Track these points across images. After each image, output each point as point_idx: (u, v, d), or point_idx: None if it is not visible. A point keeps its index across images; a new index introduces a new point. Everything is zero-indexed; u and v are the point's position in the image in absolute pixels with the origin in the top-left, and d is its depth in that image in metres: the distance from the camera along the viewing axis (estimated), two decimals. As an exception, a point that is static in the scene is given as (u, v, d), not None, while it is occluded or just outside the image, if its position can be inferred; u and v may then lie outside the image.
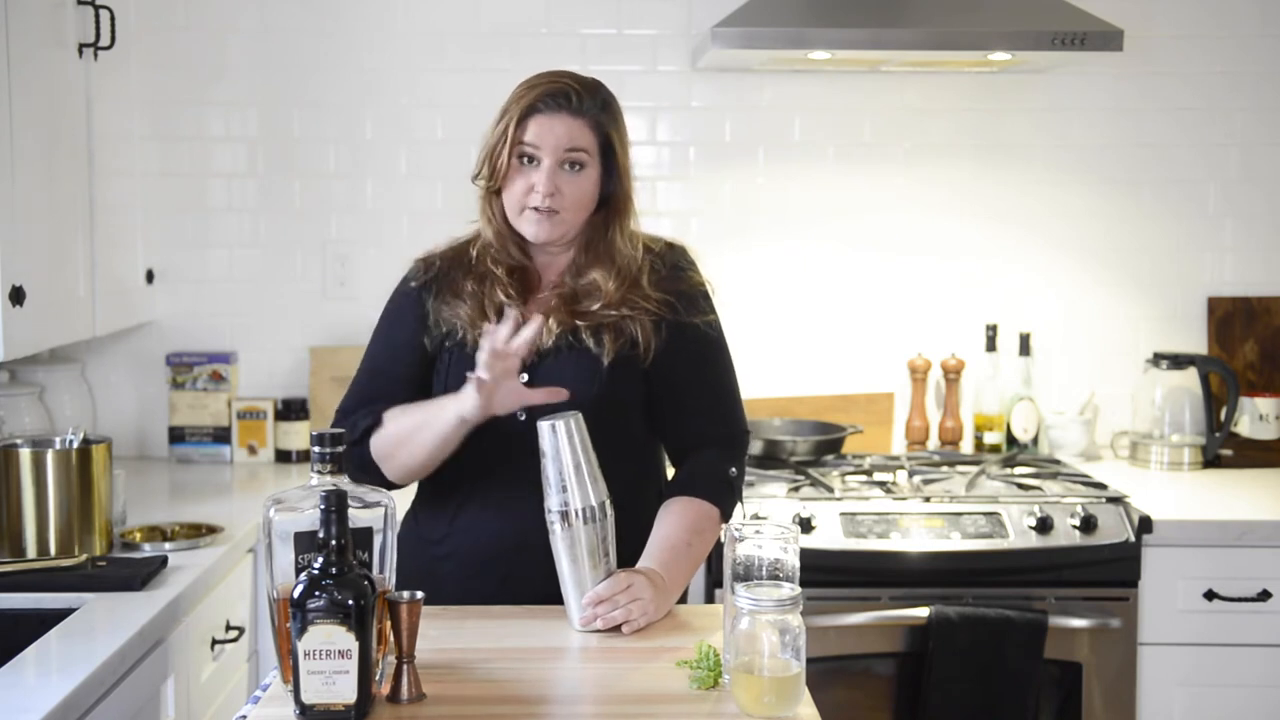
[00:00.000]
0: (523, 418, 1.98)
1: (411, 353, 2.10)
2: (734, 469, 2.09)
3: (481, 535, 2.04)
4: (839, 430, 3.13)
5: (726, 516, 2.07)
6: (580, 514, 1.85)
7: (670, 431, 2.12)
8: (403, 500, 2.00)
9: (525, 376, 1.97)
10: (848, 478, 2.99)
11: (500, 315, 2.00)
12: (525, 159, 2.01)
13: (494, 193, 2.06)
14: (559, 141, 1.99)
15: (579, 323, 2.02)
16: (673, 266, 2.09)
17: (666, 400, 2.07)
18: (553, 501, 1.85)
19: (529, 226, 2.02)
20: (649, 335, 2.02)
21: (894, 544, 2.70)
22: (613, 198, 2.05)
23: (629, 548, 1.97)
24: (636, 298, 2.03)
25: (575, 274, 2.06)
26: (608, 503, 1.87)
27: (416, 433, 2.00)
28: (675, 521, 2.01)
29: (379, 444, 2.05)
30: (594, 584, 1.87)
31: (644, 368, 2.03)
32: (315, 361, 3.31)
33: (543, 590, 1.96)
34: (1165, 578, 2.73)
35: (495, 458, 2.02)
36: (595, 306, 2.02)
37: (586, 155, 2.01)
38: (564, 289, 2.05)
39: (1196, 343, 3.40)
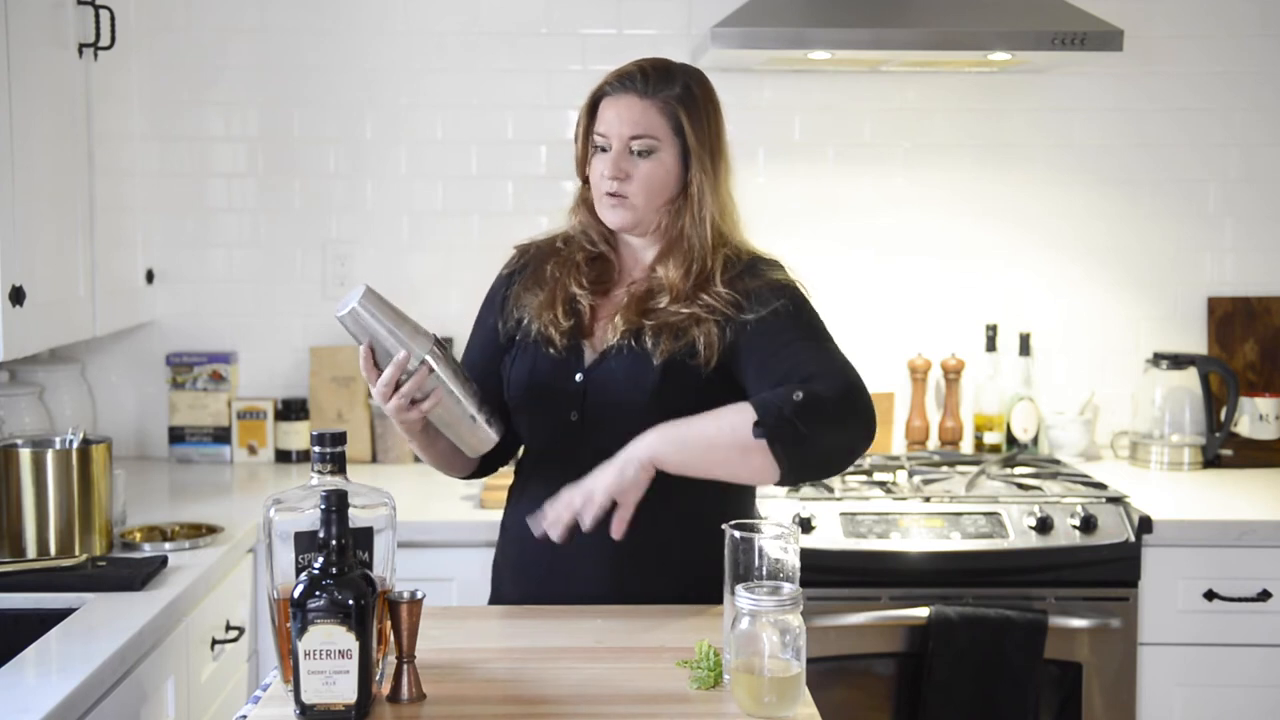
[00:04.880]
0: (574, 418, 1.98)
1: (492, 341, 2.09)
2: (800, 393, 1.81)
3: (529, 526, 2.04)
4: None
5: (768, 433, 1.80)
6: (430, 358, 1.84)
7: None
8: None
9: (580, 378, 1.97)
10: (848, 478, 2.98)
11: (568, 307, 2.00)
12: (599, 148, 2.00)
13: (586, 182, 2.05)
14: (623, 127, 1.97)
15: (645, 322, 1.96)
16: (752, 266, 2.01)
17: (750, 386, 1.92)
18: (412, 362, 1.84)
19: (605, 214, 2.01)
20: (712, 342, 1.93)
21: (894, 544, 2.70)
22: (688, 184, 2.00)
23: (676, 583, 1.97)
24: (707, 295, 1.96)
25: (651, 269, 2.03)
26: (434, 334, 1.88)
27: (409, 441, 2.04)
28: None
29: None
30: (473, 403, 1.89)
31: (708, 375, 1.94)
32: (315, 361, 3.31)
33: (579, 589, 1.97)
34: (1165, 578, 2.73)
35: (546, 453, 2.02)
36: (664, 303, 1.97)
37: (654, 140, 1.97)
38: (638, 288, 2.02)
39: (1196, 343, 3.40)
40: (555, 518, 1.86)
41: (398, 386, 1.84)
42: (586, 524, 1.84)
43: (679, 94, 1.99)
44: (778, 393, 1.84)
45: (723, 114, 2.05)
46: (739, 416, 1.83)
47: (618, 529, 1.84)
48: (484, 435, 1.93)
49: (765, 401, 1.83)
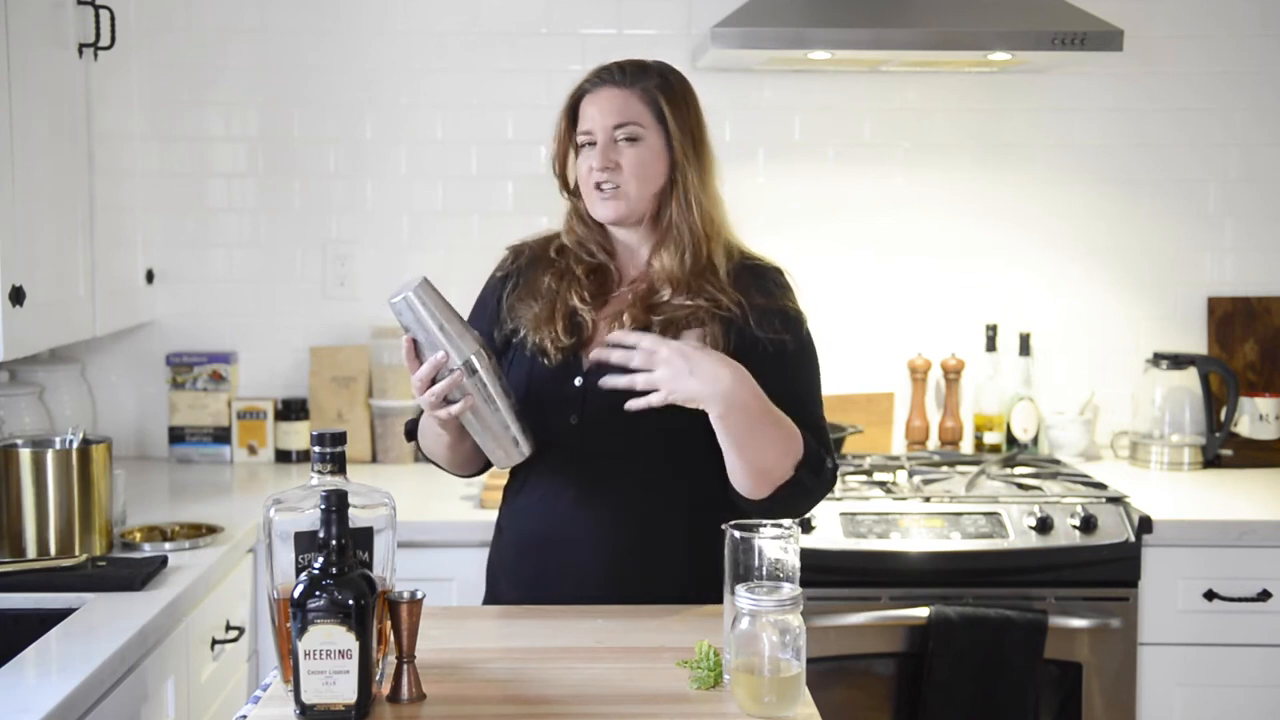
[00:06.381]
0: (574, 421, 1.97)
1: (488, 343, 2.09)
2: (830, 461, 1.95)
3: (526, 524, 2.05)
4: (839, 430, 3.13)
5: (798, 484, 1.90)
6: (475, 360, 1.83)
7: None
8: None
9: (579, 381, 1.97)
10: (848, 478, 2.98)
11: (568, 321, 2.00)
12: (583, 145, 2.00)
13: (575, 194, 2.05)
14: (606, 118, 1.97)
15: (653, 318, 1.96)
16: (758, 279, 2.02)
17: None
18: (452, 362, 1.84)
19: (596, 208, 2.01)
20: (716, 341, 1.94)
21: (894, 544, 2.70)
22: (673, 169, 2.00)
23: (675, 584, 1.97)
24: (711, 288, 1.97)
25: (649, 264, 2.03)
26: (483, 339, 1.88)
27: (434, 436, 2.03)
28: None
29: (422, 440, 2.10)
30: (510, 415, 1.89)
31: None
32: (315, 361, 3.31)
33: (576, 590, 1.97)
34: (1165, 578, 2.73)
35: (544, 455, 2.00)
36: (667, 295, 1.97)
37: (640, 127, 1.98)
38: (639, 285, 2.02)
39: (1196, 343, 3.40)
40: (603, 353, 1.85)
41: (434, 382, 1.84)
42: (624, 383, 1.83)
43: (658, 83, 2.00)
44: (816, 449, 1.93)
45: (701, 108, 2.05)
46: (794, 445, 1.90)
47: (638, 403, 1.83)
48: (513, 449, 1.93)
49: (813, 454, 1.92)
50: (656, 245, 2.02)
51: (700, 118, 2.04)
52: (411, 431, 2.15)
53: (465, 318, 2.15)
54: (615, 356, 1.84)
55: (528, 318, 2.03)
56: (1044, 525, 2.71)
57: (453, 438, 1.98)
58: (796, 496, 1.93)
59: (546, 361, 1.99)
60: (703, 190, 2.01)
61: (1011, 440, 3.29)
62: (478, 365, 1.84)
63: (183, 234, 3.33)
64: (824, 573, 2.64)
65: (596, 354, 1.88)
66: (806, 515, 2.68)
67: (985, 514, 2.76)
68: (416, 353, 1.85)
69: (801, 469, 1.90)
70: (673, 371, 1.81)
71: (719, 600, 1.78)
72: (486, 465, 2.12)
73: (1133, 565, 2.71)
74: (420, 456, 2.14)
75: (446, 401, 1.86)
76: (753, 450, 1.87)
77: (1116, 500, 2.80)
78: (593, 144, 1.99)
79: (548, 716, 1.57)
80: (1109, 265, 3.40)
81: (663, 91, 2.00)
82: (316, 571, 1.50)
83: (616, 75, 2.00)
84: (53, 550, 2.29)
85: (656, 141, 1.99)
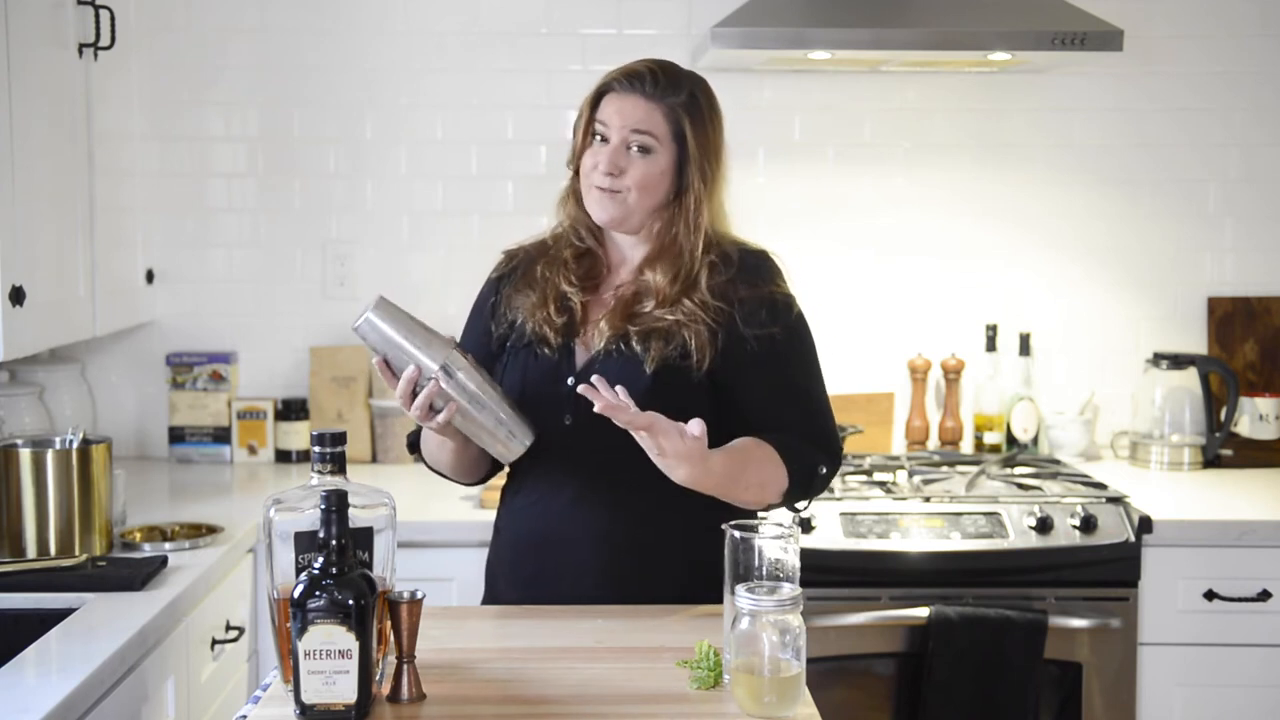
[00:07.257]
0: (568, 421, 1.98)
1: (484, 346, 2.09)
2: (824, 468, 1.99)
3: (523, 524, 2.05)
4: (839, 430, 3.12)
5: (791, 500, 1.97)
6: (449, 364, 1.84)
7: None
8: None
9: (572, 381, 1.97)
10: (848, 478, 2.99)
11: (559, 304, 2.00)
12: (597, 137, 1.99)
13: (577, 174, 2.05)
14: (625, 120, 1.96)
15: (631, 328, 1.96)
16: (743, 271, 2.01)
17: (735, 417, 1.96)
18: (423, 378, 1.84)
19: (594, 207, 2.00)
20: (703, 344, 1.94)
21: (894, 544, 2.70)
22: (683, 191, 2.00)
23: (674, 583, 1.98)
24: (692, 302, 1.96)
25: (640, 272, 2.02)
26: (454, 340, 1.88)
27: (437, 444, 2.04)
28: (743, 445, 1.92)
29: (425, 452, 2.10)
30: (502, 408, 1.89)
31: (700, 378, 1.94)
32: (315, 361, 3.31)
33: (575, 590, 1.97)
34: (1165, 578, 2.73)
35: (540, 456, 2.00)
36: (650, 307, 1.97)
37: (654, 140, 1.96)
38: (625, 290, 2.02)
39: (1196, 343, 3.40)
40: (598, 395, 1.79)
41: (416, 394, 1.85)
42: (603, 407, 1.78)
43: (685, 101, 1.98)
44: (806, 463, 1.96)
45: (723, 124, 2.05)
46: (774, 481, 1.93)
47: (601, 399, 1.78)
48: (512, 441, 1.92)
49: (799, 479, 1.95)
50: (653, 258, 2.01)
51: (720, 136, 2.03)
52: (414, 444, 2.15)
53: (464, 320, 2.17)
54: (620, 418, 1.81)
55: (525, 307, 2.04)
56: (1044, 525, 2.71)
57: (457, 443, 1.98)
58: (787, 508, 2.02)
59: (548, 350, 2.00)
60: (708, 212, 2.01)
61: (1011, 440, 3.29)
62: (453, 369, 1.84)
63: (183, 234, 3.33)
64: (824, 573, 2.64)
65: (596, 382, 1.82)
66: (806, 516, 2.70)
67: (985, 514, 2.76)
68: (391, 370, 1.86)
69: (787, 496, 1.96)
70: (644, 439, 1.81)
71: (719, 600, 1.78)
72: (492, 470, 2.12)
73: (1133, 565, 2.71)
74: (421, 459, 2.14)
75: (434, 410, 1.86)
76: (727, 498, 1.93)
77: (1116, 500, 2.80)
78: (605, 140, 1.99)
79: (548, 716, 1.57)
80: (1109, 265, 3.40)
81: (688, 111, 1.98)
82: (316, 571, 1.50)
83: (648, 85, 1.98)
84: (53, 550, 2.29)
85: (667, 159, 1.98)
